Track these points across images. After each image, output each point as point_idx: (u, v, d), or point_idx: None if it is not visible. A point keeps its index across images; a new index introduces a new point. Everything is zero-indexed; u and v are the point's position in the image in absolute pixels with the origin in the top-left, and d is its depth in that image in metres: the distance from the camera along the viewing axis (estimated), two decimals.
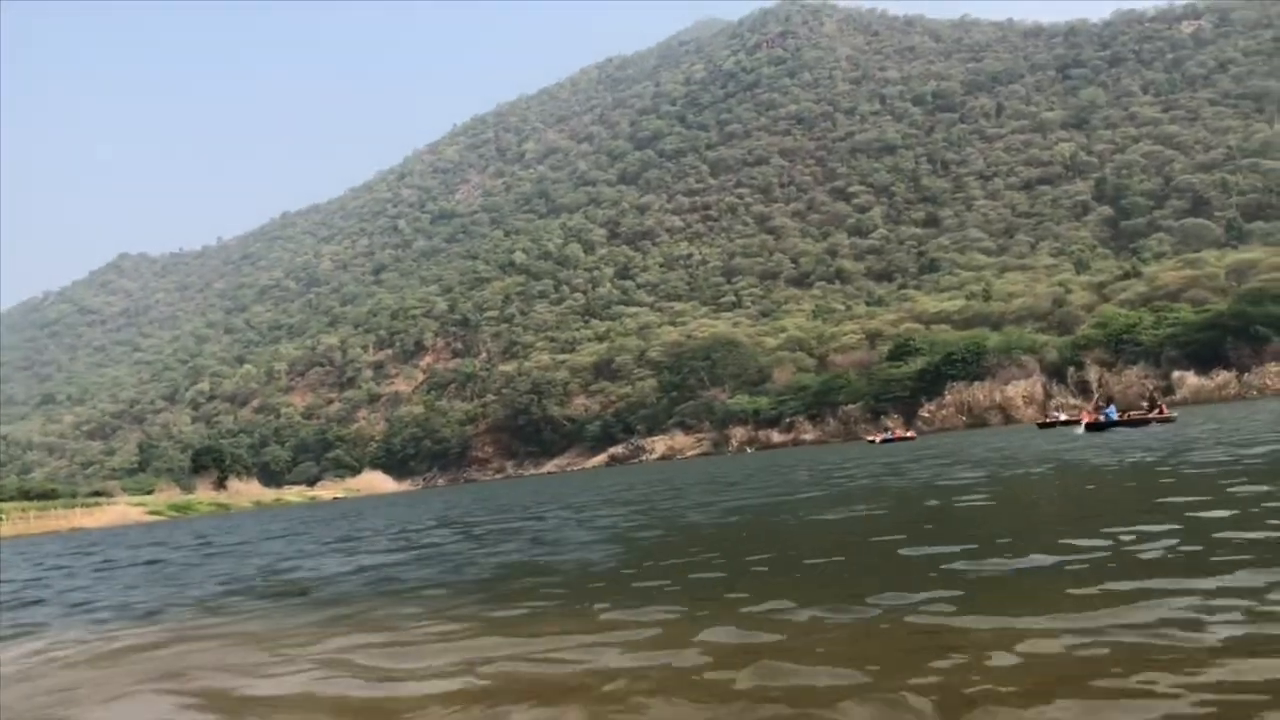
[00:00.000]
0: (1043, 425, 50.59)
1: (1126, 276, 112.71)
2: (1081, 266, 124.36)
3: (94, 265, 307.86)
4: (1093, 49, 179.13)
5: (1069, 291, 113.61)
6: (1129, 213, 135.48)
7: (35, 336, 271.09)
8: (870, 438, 68.76)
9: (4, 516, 67.74)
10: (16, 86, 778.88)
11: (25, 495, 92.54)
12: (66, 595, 11.70)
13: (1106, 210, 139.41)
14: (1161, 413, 33.33)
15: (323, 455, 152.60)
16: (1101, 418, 33.19)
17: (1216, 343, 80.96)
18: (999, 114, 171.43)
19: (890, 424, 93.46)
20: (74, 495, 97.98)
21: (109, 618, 8.79)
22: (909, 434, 68.66)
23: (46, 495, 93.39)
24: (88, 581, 13.86)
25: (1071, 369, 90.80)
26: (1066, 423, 47.87)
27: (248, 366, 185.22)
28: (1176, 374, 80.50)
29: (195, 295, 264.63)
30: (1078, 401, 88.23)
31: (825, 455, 45.25)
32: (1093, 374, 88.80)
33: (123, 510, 77.15)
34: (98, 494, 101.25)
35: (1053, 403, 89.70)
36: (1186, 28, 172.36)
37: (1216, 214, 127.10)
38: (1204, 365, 79.76)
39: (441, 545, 13.51)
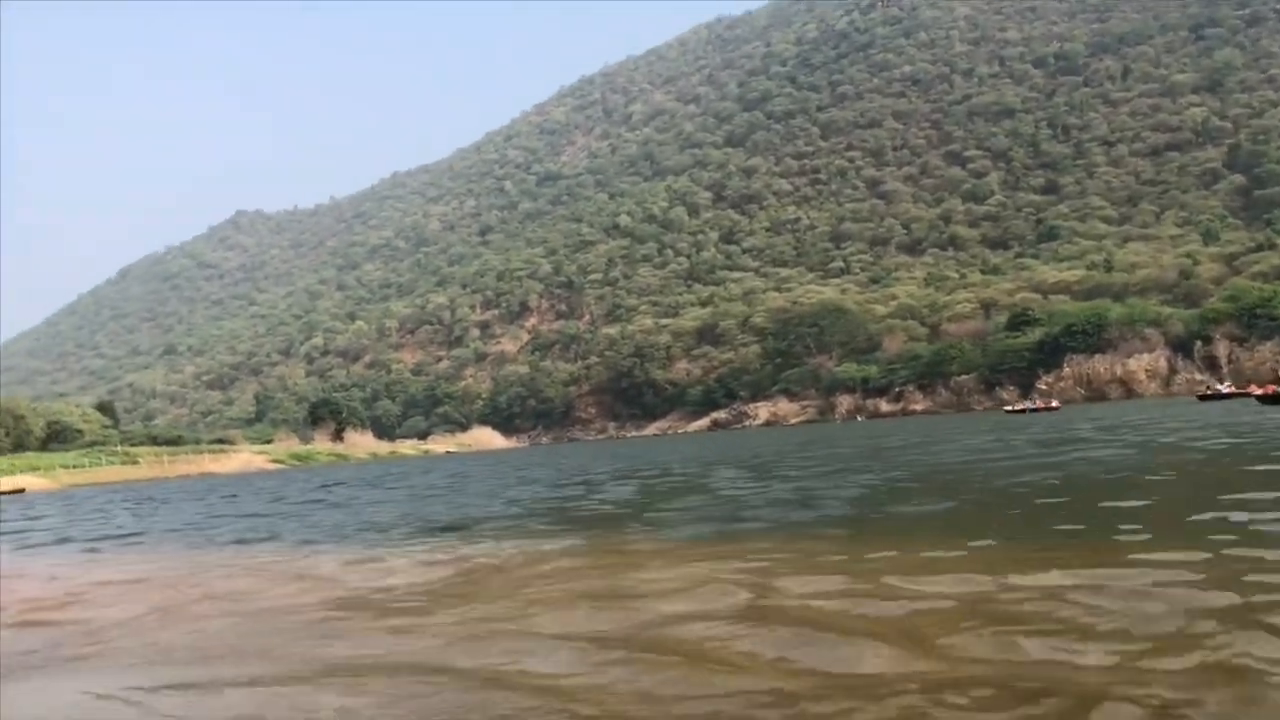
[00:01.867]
0: (1203, 397, 48.28)
1: (1260, 249, 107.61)
2: (1210, 237, 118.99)
3: (213, 221, 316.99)
4: (1229, 8, 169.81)
5: (1196, 263, 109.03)
6: (1264, 181, 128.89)
7: (158, 289, 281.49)
8: (1014, 407, 66.57)
9: (140, 460, 70.55)
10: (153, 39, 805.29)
11: (154, 441, 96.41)
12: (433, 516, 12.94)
13: (1239, 179, 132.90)
14: None
15: (431, 411, 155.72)
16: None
17: None
18: (1125, 77, 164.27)
19: (1043, 387, 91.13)
20: (198, 442, 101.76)
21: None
22: (1054, 404, 66.27)
23: (173, 441, 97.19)
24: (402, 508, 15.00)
25: (1198, 343, 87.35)
26: (1229, 395, 45.55)
27: (359, 323, 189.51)
28: None
29: (309, 252, 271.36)
30: (1204, 377, 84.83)
31: (968, 424, 44.15)
32: (1222, 349, 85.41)
33: (247, 458, 79.86)
34: (219, 441, 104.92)
35: (1176, 377, 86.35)
36: None
37: None
38: None
39: (739, 485, 14.51)
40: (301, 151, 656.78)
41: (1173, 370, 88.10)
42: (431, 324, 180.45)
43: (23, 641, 5.75)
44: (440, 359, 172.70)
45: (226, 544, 11.89)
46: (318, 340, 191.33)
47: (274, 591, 7.15)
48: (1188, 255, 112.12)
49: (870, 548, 6.86)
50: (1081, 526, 7.36)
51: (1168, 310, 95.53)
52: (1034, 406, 63.44)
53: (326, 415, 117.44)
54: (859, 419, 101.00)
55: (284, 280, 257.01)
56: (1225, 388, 50.52)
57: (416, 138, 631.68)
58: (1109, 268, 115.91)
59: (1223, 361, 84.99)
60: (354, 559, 8.84)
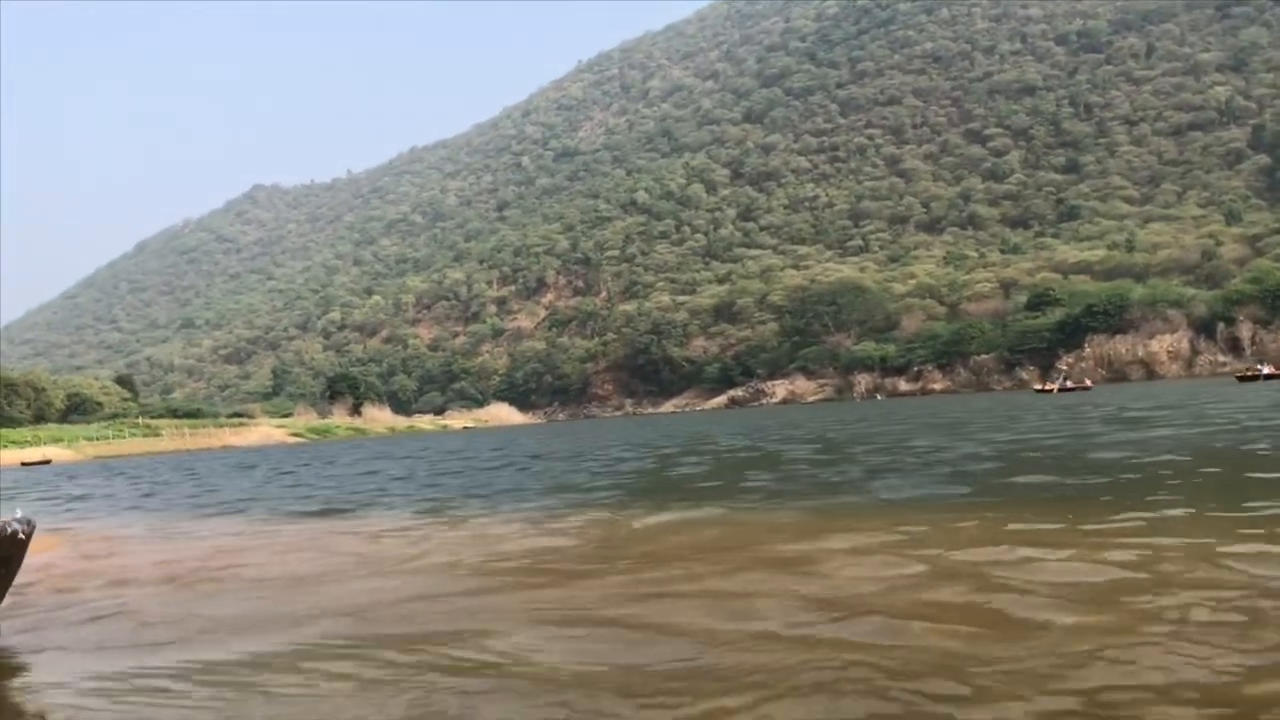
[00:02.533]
0: (1243, 378, 47.74)
1: None
2: (1233, 218, 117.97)
3: (231, 195, 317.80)
4: None
5: (1219, 244, 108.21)
6: None
7: (175, 263, 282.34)
8: (1042, 386, 65.96)
9: (162, 432, 71.07)
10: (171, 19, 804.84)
11: (173, 414, 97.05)
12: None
13: (1263, 159, 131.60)
14: None
15: (448, 386, 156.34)
16: None
17: None
18: (1149, 55, 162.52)
19: (1064, 367, 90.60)
20: (216, 416, 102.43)
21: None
22: (1086, 384, 65.67)
23: (192, 414, 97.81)
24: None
25: (1222, 325, 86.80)
26: (1271, 376, 45.04)
27: (376, 298, 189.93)
28: None
29: (325, 227, 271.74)
30: (1227, 359, 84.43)
31: (1007, 403, 44.04)
32: (1245, 331, 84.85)
33: (267, 431, 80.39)
34: (237, 415, 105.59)
35: (1199, 358, 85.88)
36: None
37: None
38: None
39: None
40: (319, 126, 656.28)
41: (1195, 352, 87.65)
42: (448, 299, 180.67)
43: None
44: (457, 335, 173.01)
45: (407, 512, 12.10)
46: (334, 315, 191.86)
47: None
48: (1210, 236, 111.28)
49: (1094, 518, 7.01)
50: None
51: (1190, 291, 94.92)
52: (1068, 386, 62.65)
53: (345, 390, 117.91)
54: (879, 398, 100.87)
55: (301, 255, 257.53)
56: (1266, 369, 49.85)
57: (434, 113, 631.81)
58: (1130, 248, 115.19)
59: (1246, 343, 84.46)
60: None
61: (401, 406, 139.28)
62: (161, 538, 10.52)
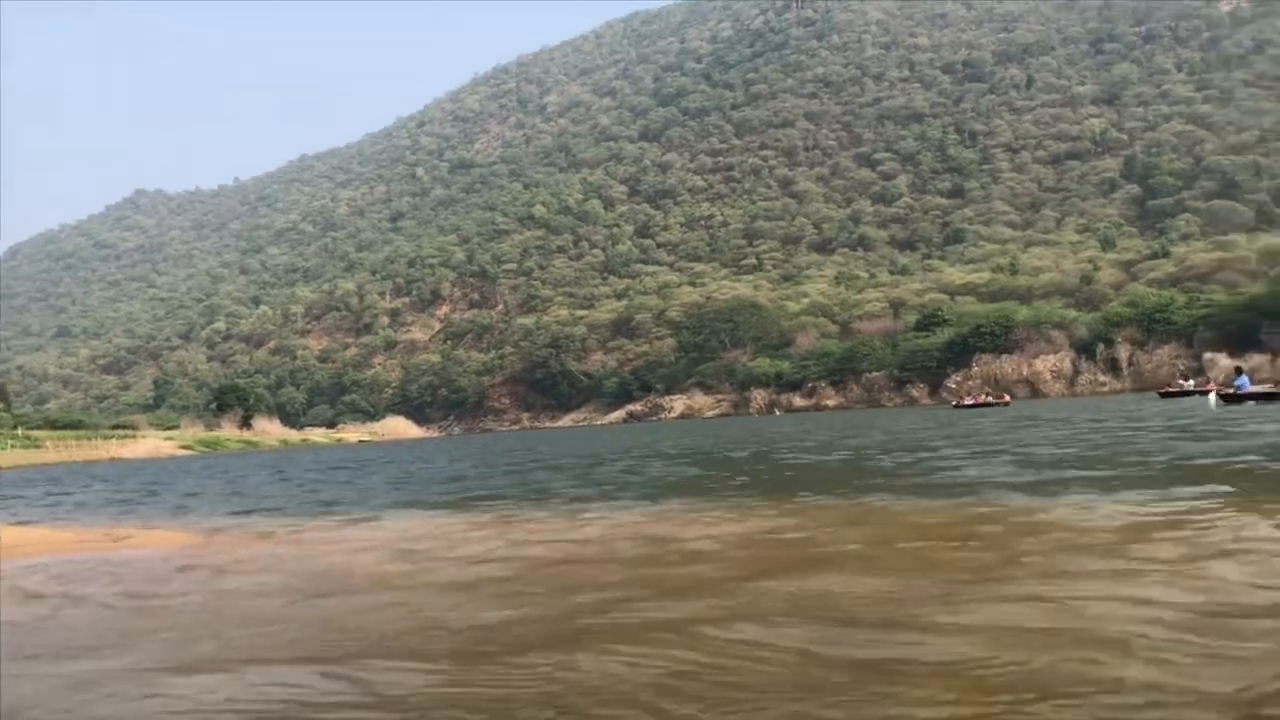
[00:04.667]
0: (1165, 394, 49.73)
1: (1155, 256, 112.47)
2: (1108, 244, 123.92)
3: (111, 200, 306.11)
4: (1127, 24, 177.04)
5: (1096, 269, 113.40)
6: (1157, 192, 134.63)
7: (50, 269, 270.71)
8: (965, 401, 67.71)
9: (43, 444, 68.17)
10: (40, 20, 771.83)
11: (51, 425, 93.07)
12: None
13: (1135, 189, 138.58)
14: None
15: (338, 399, 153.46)
16: (1234, 388, 32.07)
17: (1252, 325, 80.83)
18: (1029, 86, 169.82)
19: (953, 385, 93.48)
20: (97, 427, 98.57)
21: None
22: (1005, 399, 67.56)
23: (72, 425, 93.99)
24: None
25: (1101, 346, 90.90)
26: (1192, 392, 46.99)
27: (264, 308, 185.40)
28: (1208, 355, 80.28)
29: (211, 234, 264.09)
30: (1106, 379, 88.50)
31: (938, 417, 45.12)
32: (1123, 352, 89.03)
33: (155, 444, 77.77)
34: (120, 426, 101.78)
35: (1080, 378, 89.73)
36: (1224, 6, 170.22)
37: (1246, 197, 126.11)
38: (1237, 348, 79.58)
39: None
40: (205, 132, 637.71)
41: (1077, 371, 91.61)
42: (339, 310, 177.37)
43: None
44: (348, 346, 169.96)
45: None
46: (220, 325, 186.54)
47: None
48: (1088, 261, 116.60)
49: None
50: None
51: (1071, 313, 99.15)
52: (991, 400, 64.47)
53: (233, 402, 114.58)
54: (777, 413, 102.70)
55: (185, 262, 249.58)
56: (1189, 385, 52.16)
57: (325, 122, 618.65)
58: (1014, 271, 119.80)
59: (1124, 364, 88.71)
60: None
61: (290, 419, 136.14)
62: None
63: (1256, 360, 76.17)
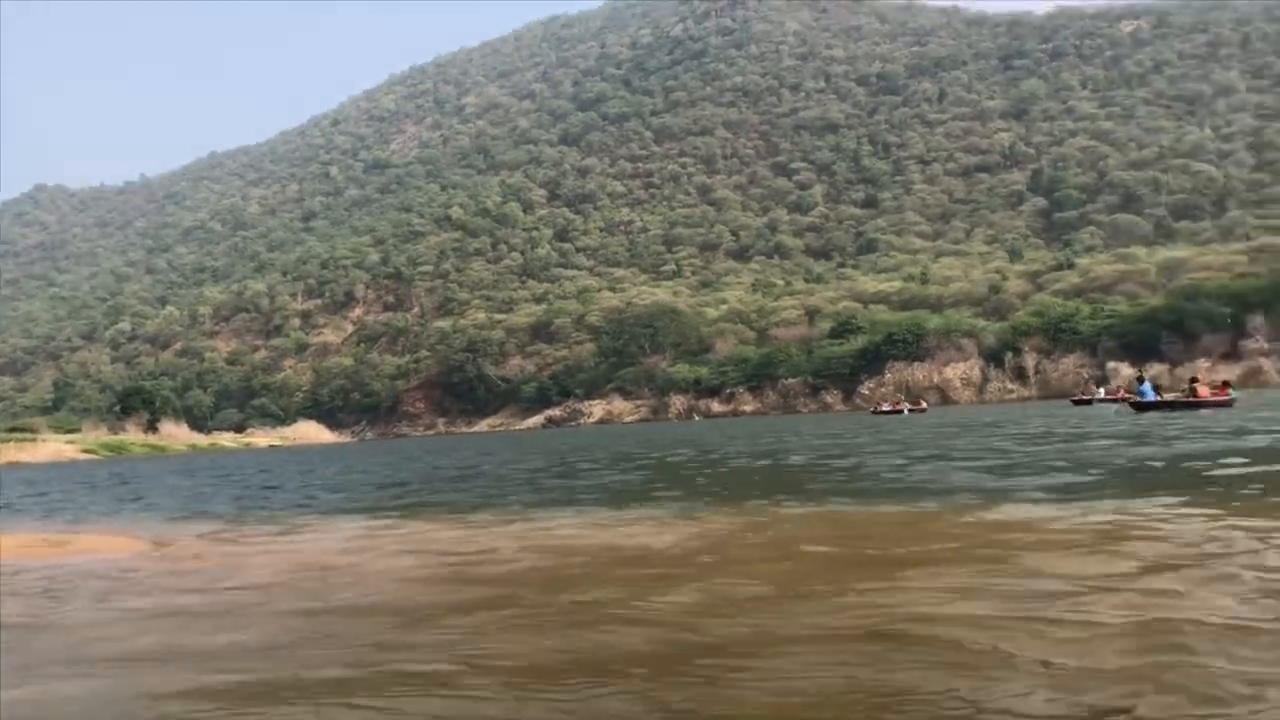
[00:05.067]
0: (1077, 402, 50.94)
1: (1060, 267, 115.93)
2: (1015, 255, 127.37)
3: (8, 196, 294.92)
4: (1035, 41, 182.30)
5: (1004, 279, 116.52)
6: (1062, 205, 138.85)
7: None
8: (879, 407, 68.95)
9: None
10: None
11: None
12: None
13: (1041, 201, 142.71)
14: (1222, 393, 32.93)
15: (247, 403, 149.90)
16: (1138, 396, 32.85)
17: (1151, 336, 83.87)
18: (941, 99, 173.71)
19: (866, 392, 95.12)
20: None
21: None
22: (922, 406, 68.98)
23: None
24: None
25: (1009, 354, 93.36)
26: (1103, 400, 48.13)
27: (170, 308, 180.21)
28: (1111, 364, 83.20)
29: (115, 232, 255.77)
30: (1014, 386, 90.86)
31: (850, 423, 45.63)
32: (1030, 360, 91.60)
33: (57, 447, 75.31)
34: (17, 429, 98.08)
35: (989, 385, 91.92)
36: (1126, 27, 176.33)
37: (1146, 211, 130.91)
38: (1138, 357, 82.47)
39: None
40: (109, 127, 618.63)
41: (986, 379, 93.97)
42: (249, 312, 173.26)
43: None
44: (258, 349, 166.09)
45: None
46: (124, 325, 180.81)
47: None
48: (997, 271, 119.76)
49: None
50: None
51: (980, 322, 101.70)
52: (908, 407, 65.83)
53: (139, 405, 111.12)
54: (697, 418, 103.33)
55: (87, 261, 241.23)
56: (1100, 392, 53.59)
57: (235, 119, 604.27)
58: (925, 280, 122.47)
59: (1030, 372, 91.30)
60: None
61: (197, 423, 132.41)
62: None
63: (1156, 369, 79.05)
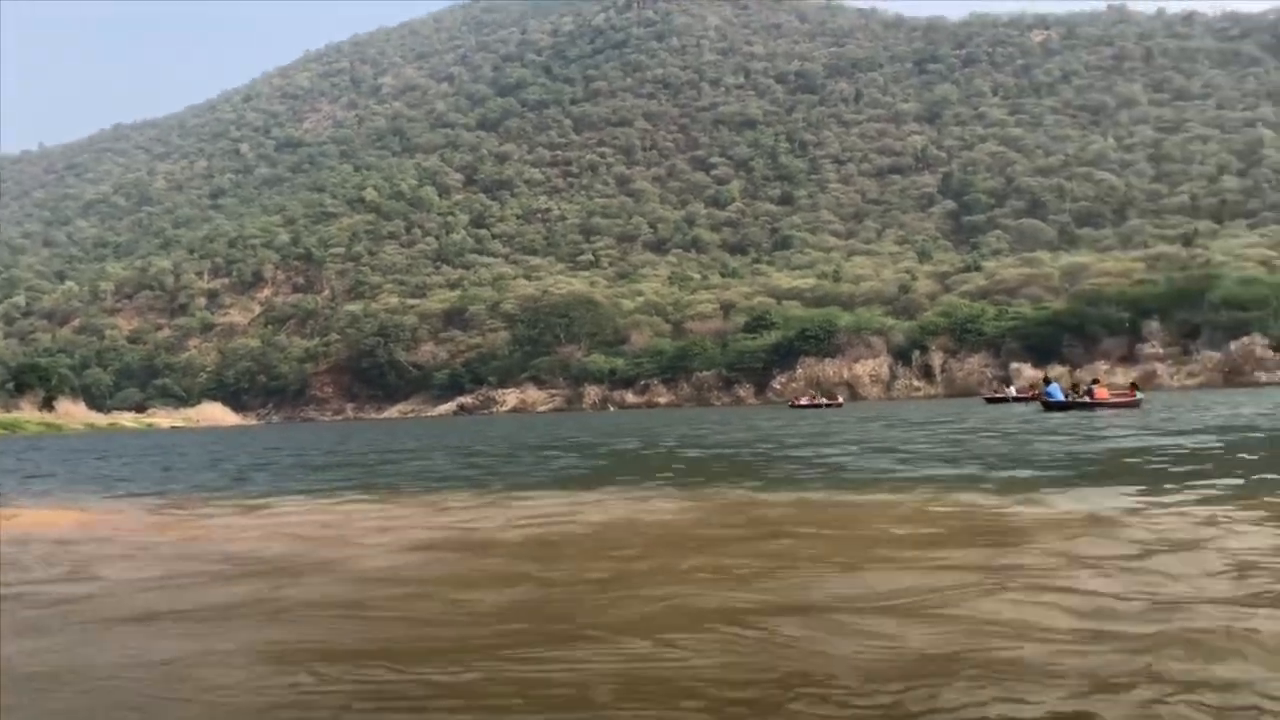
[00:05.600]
0: (991, 400, 51.99)
1: (967, 269, 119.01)
2: (924, 256, 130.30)
3: None
4: (949, 46, 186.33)
5: (914, 279, 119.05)
6: (971, 208, 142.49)
7: None
8: (797, 401, 69.80)
9: None
10: None
11: None
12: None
13: (950, 204, 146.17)
14: (1130, 394, 34.01)
15: (149, 382, 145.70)
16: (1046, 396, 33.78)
17: (1053, 338, 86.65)
18: (857, 100, 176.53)
19: (778, 386, 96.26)
20: None
21: None
22: (839, 401, 70.10)
23: None
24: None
25: (917, 352, 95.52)
26: (1016, 399, 49.14)
27: (70, 284, 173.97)
28: (1014, 365, 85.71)
29: (11, 203, 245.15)
30: (921, 384, 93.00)
31: (772, 416, 46.26)
32: (936, 359, 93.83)
33: None
34: None
35: (896, 382, 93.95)
36: (1036, 36, 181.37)
37: (1051, 217, 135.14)
38: (1040, 358, 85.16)
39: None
40: (4, 94, 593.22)
41: (894, 376, 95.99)
42: (152, 289, 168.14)
43: None
44: (161, 327, 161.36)
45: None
46: (19, 299, 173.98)
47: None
48: (907, 271, 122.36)
49: None
50: None
51: (890, 321, 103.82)
52: (824, 402, 66.71)
53: (34, 382, 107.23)
54: (612, 409, 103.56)
55: None
56: (1012, 391, 54.83)
57: (142, 91, 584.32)
58: (837, 278, 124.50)
59: (937, 370, 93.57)
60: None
61: (96, 402, 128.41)
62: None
63: (1057, 370, 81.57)
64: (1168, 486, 9.10)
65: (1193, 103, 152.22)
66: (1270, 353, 78.69)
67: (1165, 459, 12.45)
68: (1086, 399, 32.54)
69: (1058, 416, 28.53)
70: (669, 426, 36.50)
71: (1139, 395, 34.44)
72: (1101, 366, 78.67)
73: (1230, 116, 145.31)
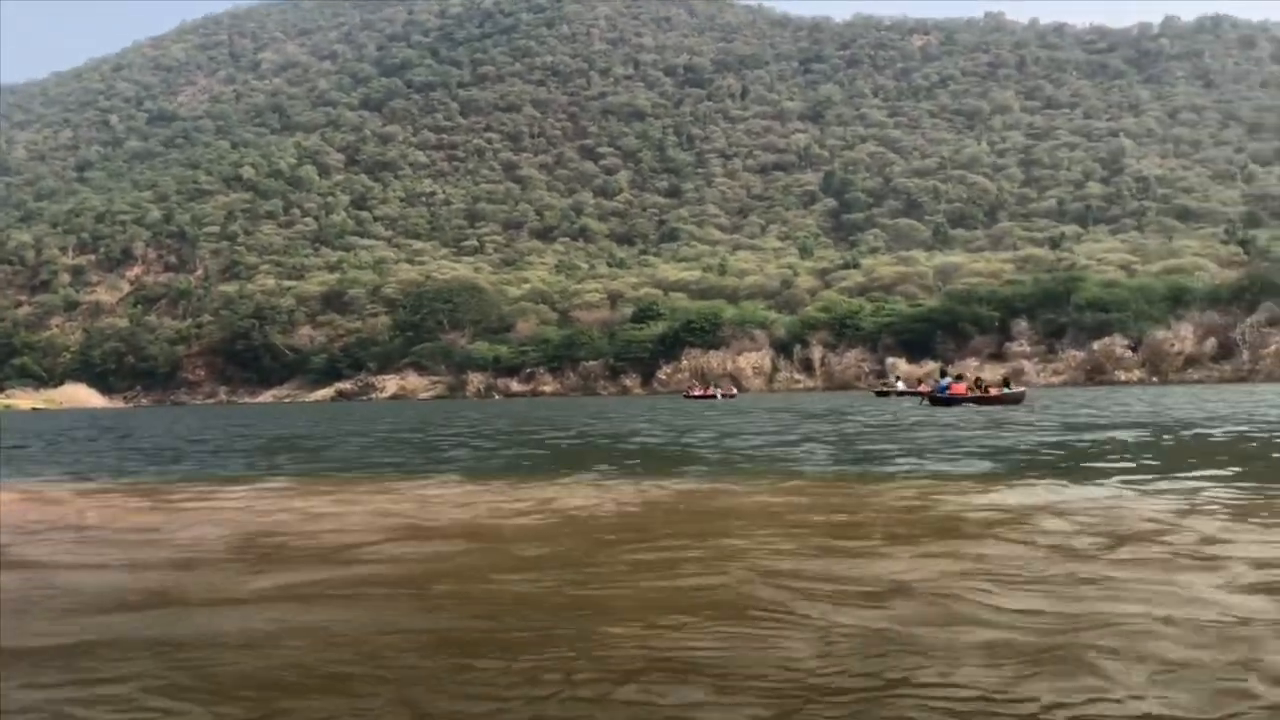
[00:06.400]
0: (880, 393, 52.95)
1: (846, 266, 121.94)
2: (806, 252, 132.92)
3: None
4: (833, 47, 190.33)
5: (795, 274, 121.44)
6: (851, 207, 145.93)
7: None
8: (690, 391, 70.27)
9: None
10: None
11: None
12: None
13: (831, 202, 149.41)
14: (1007, 389, 34.60)
15: (5, 361, 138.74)
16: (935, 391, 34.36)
17: (927, 335, 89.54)
18: (744, 96, 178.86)
19: (663, 377, 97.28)
20: None
21: None
22: (733, 392, 70.85)
23: None
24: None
25: (798, 346, 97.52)
26: (904, 393, 50.10)
27: None
28: (890, 360, 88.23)
29: None
30: (801, 377, 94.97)
31: (668, 406, 46.47)
32: (816, 353, 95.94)
33: None
34: None
35: (779, 375, 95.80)
36: (917, 41, 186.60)
37: (926, 217, 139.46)
38: (915, 354, 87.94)
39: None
40: None
41: (775, 369, 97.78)
42: (11, 264, 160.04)
43: None
44: (20, 304, 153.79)
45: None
46: None
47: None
48: (789, 266, 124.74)
49: None
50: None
51: (772, 315, 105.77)
52: (722, 393, 67.29)
53: None
54: (496, 396, 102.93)
55: None
56: (900, 386, 56.07)
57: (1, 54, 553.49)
58: (723, 271, 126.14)
59: (817, 364, 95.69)
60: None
61: None
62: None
63: (930, 366, 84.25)
64: (1189, 476, 9.48)
65: (1061, 111, 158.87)
66: (1129, 353, 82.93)
67: (1113, 450, 13.06)
68: (977, 394, 33.09)
69: (950, 411, 29.13)
70: (569, 415, 36.47)
71: (1016, 390, 35.45)
72: (972, 363, 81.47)
73: (1096, 126, 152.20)
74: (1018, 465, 11.34)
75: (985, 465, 11.39)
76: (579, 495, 9.06)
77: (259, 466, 14.44)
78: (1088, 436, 16.30)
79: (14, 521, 8.07)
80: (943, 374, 37.67)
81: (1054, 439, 15.90)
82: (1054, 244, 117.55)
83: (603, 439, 19.93)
